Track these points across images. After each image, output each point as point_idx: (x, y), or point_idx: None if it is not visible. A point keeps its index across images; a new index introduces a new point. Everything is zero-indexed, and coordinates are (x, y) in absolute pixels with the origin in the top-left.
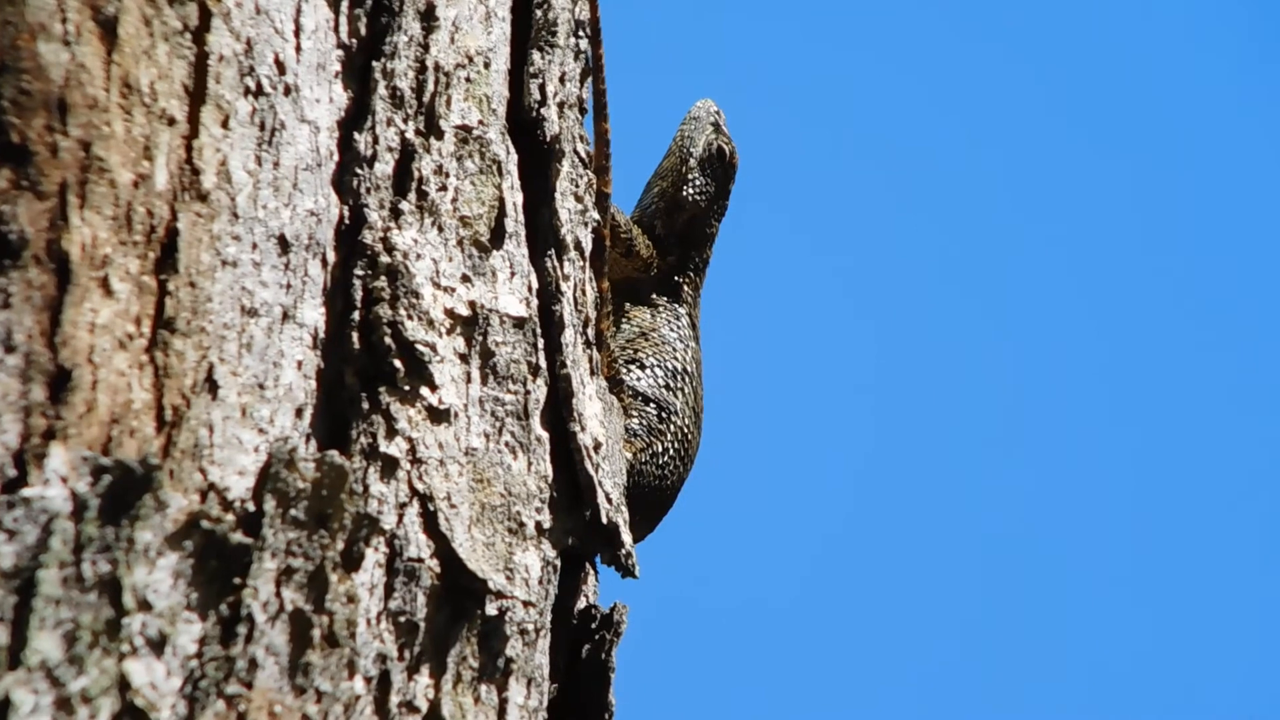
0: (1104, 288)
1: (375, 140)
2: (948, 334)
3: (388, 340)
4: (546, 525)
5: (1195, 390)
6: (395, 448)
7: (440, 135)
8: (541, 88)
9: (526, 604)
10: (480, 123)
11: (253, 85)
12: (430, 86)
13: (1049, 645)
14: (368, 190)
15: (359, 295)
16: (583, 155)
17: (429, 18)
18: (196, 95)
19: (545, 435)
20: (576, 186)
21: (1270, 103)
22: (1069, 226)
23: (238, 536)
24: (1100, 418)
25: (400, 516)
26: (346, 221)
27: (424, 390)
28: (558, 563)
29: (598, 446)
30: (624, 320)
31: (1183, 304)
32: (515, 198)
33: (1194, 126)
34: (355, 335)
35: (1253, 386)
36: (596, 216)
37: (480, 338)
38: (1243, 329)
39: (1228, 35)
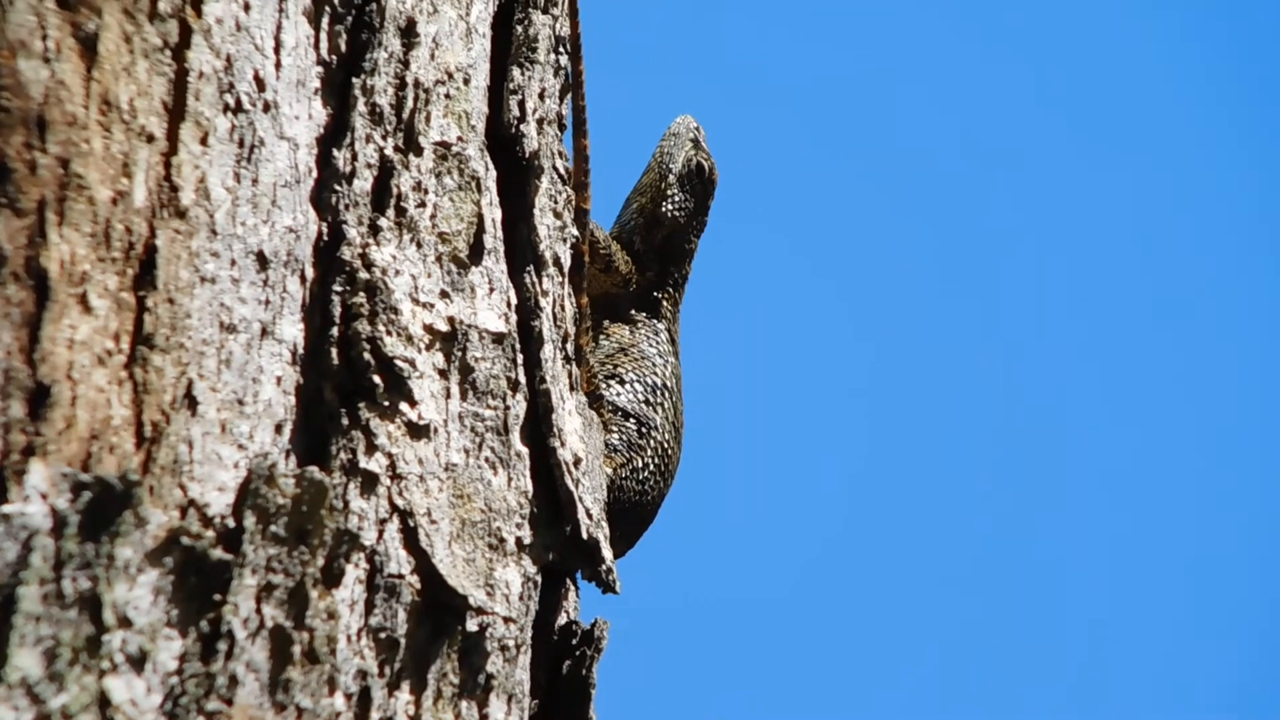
0: (1094, 291)
1: (354, 157)
2: (938, 338)
3: (367, 356)
4: (527, 541)
5: (1184, 395)
6: (375, 463)
7: (419, 152)
8: (521, 104)
9: (507, 620)
10: (459, 139)
11: (232, 102)
12: (410, 103)
13: (1038, 648)
14: (346, 207)
15: (338, 311)
16: (562, 171)
17: (409, 34)
18: (176, 112)
19: (525, 451)
20: (555, 202)
21: (1257, 106)
22: (1057, 229)
23: (218, 553)
24: (1091, 421)
25: (380, 532)
26: (325, 238)
27: (403, 406)
28: (538, 578)
29: (578, 462)
30: (603, 336)
31: (1172, 308)
32: (494, 214)
33: (1185, 132)
34: (334, 351)
35: (1244, 390)
36: (575, 232)
37: (459, 353)
38: (1232, 332)
39: (1209, 39)
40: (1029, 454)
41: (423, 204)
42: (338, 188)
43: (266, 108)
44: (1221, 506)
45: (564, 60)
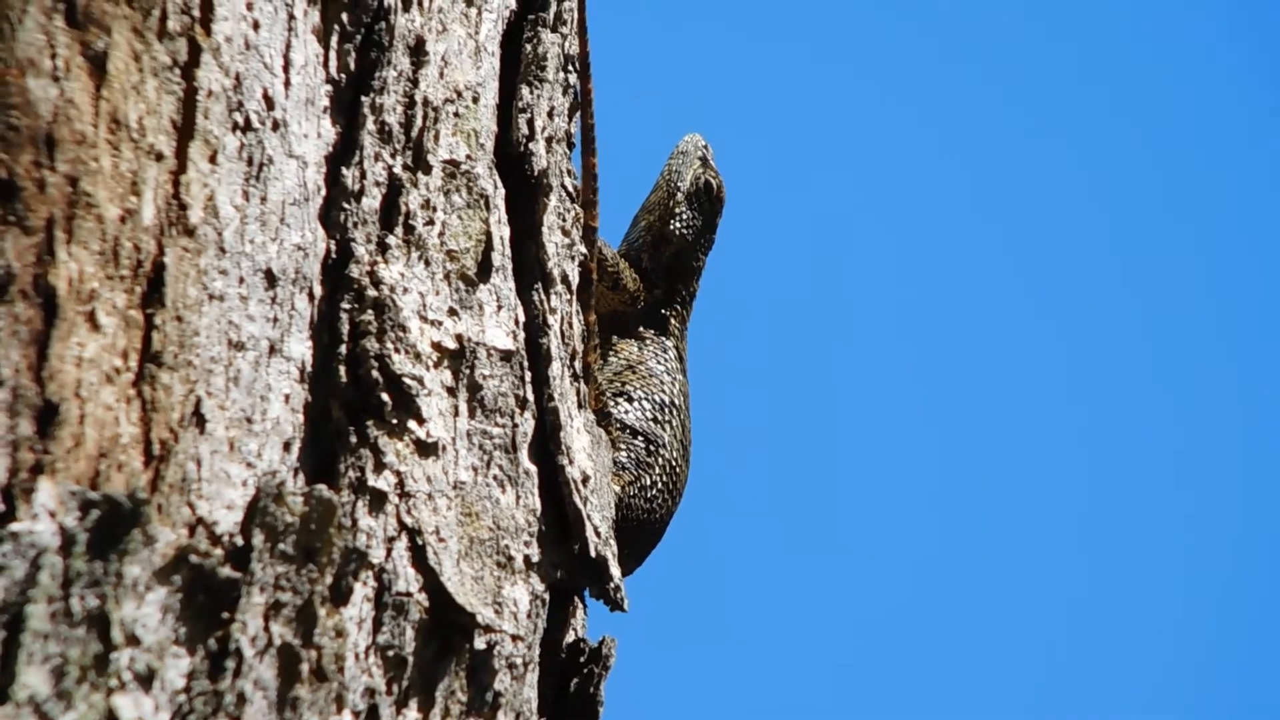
0: (1096, 296)
1: (363, 175)
2: (945, 348)
3: (375, 374)
4: (535, 559)
5: (1173, 398)
6: (383, 481)
7: (428, 170)
8: (530, 122)
9: (515, 638)
10: (468, 157)
11: (241, 120)
12: (418, 121)
13: (1021, 646)
14: (355, 225)
15: (346, 329)
16: (570, 189)
17: (418, 53)
18: (185, 130)
19: (533, 468)
20: (564, 220)
21: (1247, 110)
22: (1060, 231)
23: (226, 571)
24: (1084, 426)
25: (389, 550)
26: (333, 256)
27: (411, 424)
28: (546, 596)
29: (586, 480)
30: (611, 353)
31: (1160, 311)
32: (502, 232)
33: (1180, 136)
34: (342, 369)
35: (1242, 389)
36: (583, 250)
37: (467, 371)
38: (1227, 333)
39: (1197, 43)
40: (1026, 465)
41: (431, 222)
42: (346, 206)
43: (275, 126)
44: (1215, 515)
45: (573, 79)
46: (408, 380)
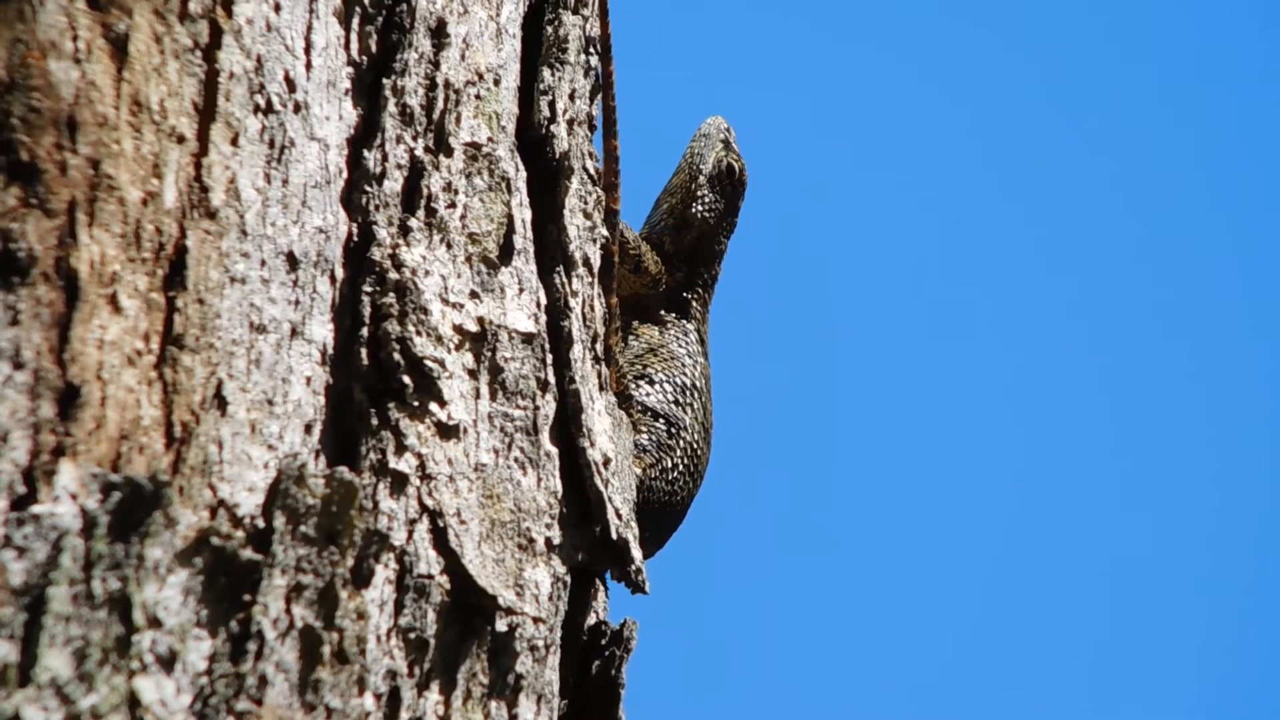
0: (1108, 294)
1: (384, 158)
2: (957, 337)
3: (396, 356)
4: (556, 541)
5: (1179, 402)
6: (405, 464)
7: (449, 152)
8: (551, 105)
9: (536, 620)
10: (489, 140)
11: (262, 103)
12: (440, 104)
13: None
14: (376, 207)
15: (367, 312)
16: (592, 172)
17: (440, 35)
18: (206, 113)
19: (554, 451)
20: (585, 203)
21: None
22: (1071, 230)
23: (247, 553)
24: (1092, 431)
25: (410, 533)
26: (355, 238)
27: (433, 406)
28: (568, 579)
29: (607, 462)
30: (633, 336)
31: (1181, 310)
32: (524, 214)
33: (1189, 135)
34: (364, 351)
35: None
36: (605, 233)
37: (489, 354)
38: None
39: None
40: (1042, 455)
41: (453, 204)
42: (368, 188)
43: (297, 108)
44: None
45: (594, 61)
46: (429, 363)
